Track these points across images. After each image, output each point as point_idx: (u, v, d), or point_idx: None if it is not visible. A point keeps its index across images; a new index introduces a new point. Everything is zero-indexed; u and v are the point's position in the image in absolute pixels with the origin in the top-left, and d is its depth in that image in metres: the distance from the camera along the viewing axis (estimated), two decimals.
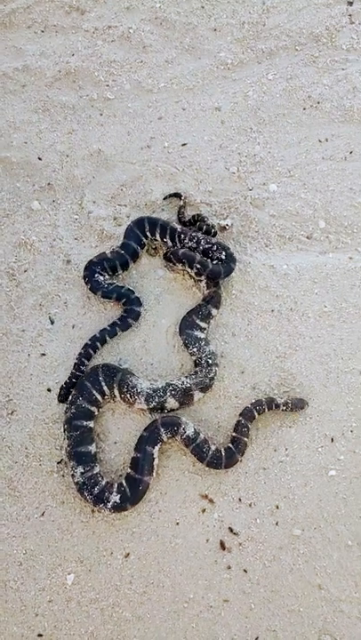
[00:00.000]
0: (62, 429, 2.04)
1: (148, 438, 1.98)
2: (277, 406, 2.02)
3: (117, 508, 1.93)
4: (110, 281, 2.22)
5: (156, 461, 1.98)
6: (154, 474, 1.97)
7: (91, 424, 2.04)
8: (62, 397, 2.09)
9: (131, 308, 2.18)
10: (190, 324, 2.16)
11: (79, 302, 2.25)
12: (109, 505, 1.93)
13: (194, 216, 2.32)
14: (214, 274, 2.17)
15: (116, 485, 1.96)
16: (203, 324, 2.17)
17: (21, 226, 2.38)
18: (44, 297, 2.27)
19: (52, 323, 2.25)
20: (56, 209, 2.41)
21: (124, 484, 1.95)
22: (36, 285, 2.29)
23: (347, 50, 2.61)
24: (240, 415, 2.03)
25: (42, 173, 2.45)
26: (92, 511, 1.99)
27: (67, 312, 2.26)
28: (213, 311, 2.19)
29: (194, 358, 2.14)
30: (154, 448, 1.97)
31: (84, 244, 2.35)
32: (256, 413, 2.02)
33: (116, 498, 1.93)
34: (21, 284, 2.29)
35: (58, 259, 2.33)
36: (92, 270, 2.21)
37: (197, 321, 2.17)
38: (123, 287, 2.21)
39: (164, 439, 1.99)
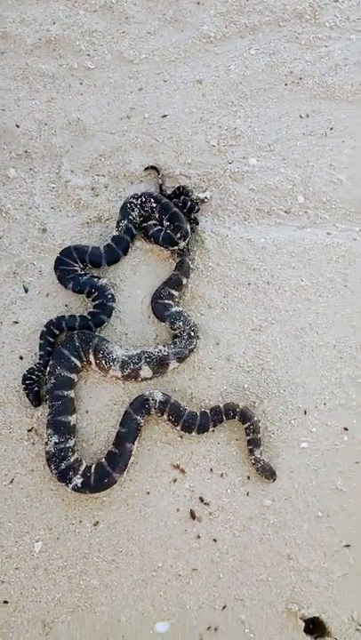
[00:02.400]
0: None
1: (128, 434, 1.95)
2: (251, 451, 1.99)
3: (77, 490, 1.91)
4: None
5: (131, 459, 1.96)
6: (125, 473, 1.95)
7: (72, 394, 2.02)
8: (37, 401, 2.03)
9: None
10: (161, 295, 2.14)
11: (54, 271, 2.22)
12: (70, 485, 1.91)
13: (178, 188, 2.29)
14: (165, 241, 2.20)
15: (83, 467, 1.93)
16: (174, 293, 2.16)
17: None
18: (18, 265, 2.24)
19: (26, 291, 2.21)
20: (33, 177, 2.37)
21: (92, 471, 1.92)
22: (10, 253, 2.25)
23: (330, 27, 2.60)
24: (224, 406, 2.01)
25: (19, 141, 2.41)
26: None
27: (41, 280, 2.23)
28: (183, 280, 2.18)
29: (170, 327, 2.12)
30: (133, 444, 1.96)
31: (60, 214, 2.32)
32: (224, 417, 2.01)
33: (78, 480, 1.91)
34: None
35: (33, 227, 2.29)
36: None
37: (170, 290, 2.15)
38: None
39: (142, 425, 1.98)
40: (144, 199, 2.24)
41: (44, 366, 2.04)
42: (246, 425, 1.97)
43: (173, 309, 2.13)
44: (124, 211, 2.23)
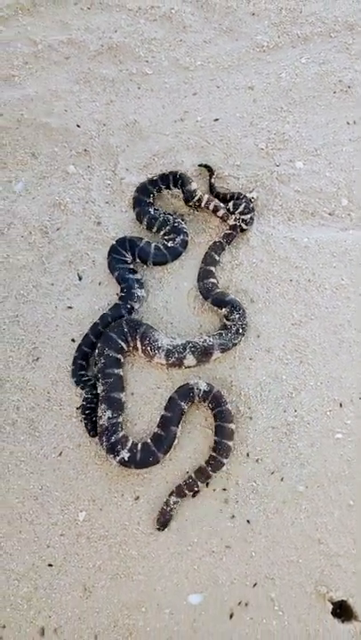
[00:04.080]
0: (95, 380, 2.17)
1: (172, 418, 2.07)
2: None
3: (123, 463, 2.03)
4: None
5: (175, 442, 2.08)
6: (168, 454, 2.06)
7: (121, 372, 2.16)
8: (94, 431, 2.12)
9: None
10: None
11: (106, 261, 2.36)
12: (118, 458, 2.03)
13: (233, 194, 2.41)
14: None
15: (130, 442, 2.06)
16: (217, 257, 2.34)
17: (57, 187, 2.50)
18: (73, 254, 2.40)
19: (80, 279, 2.36)
20: (90, 174, 2.53)
21: (138, 448, 2.05)
22: (66, 243, 2.41)
23: None
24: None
25: (79, 140, 2.58)
26: (107, 457, 2.09)
27: (94, 270, 2.37)
28: (225, 245, 2.36)
29: (225, 314, 2.24)
30: (178, 427, 2.08)
31: (114, 208, 2.47)
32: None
33: (125, 454, 2.03)
34: (53, 242, 2.42)
35: (89, 220, 2.45)
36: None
37: (215, 256, 2.35)
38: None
39: (185, 411, 2.10)
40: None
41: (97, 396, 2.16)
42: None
43: (236, 299, 2.25)
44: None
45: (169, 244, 2.34)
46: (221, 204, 2.38)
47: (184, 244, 2.35)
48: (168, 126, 2.59)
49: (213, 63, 2.70)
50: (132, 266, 2.33)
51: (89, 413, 2.13)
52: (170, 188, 2.43)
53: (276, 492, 2.06)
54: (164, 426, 2.07)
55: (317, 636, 1.90)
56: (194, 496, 2.04)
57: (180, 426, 2.08)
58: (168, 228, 2.36)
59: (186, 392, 2.09)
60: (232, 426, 2.06)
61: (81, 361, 2.20)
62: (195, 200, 2.36)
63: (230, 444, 2.04)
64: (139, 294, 2.27)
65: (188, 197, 2.37)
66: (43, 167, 2.54)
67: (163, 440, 2.04)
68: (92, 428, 2.11)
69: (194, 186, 2.39)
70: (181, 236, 2.34)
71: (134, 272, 2.31)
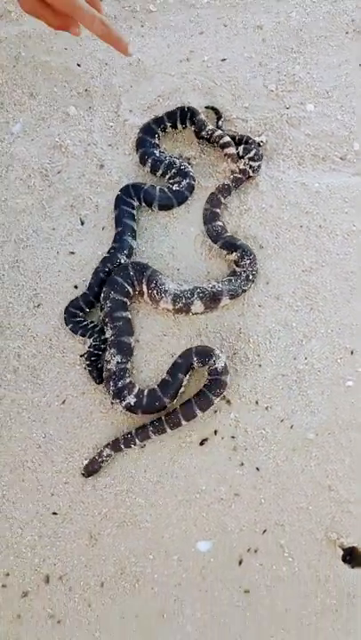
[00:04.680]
0: (101, 324, 2.08)
1: (182, 365, 1.99)
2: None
3: (130, 409, 1.97)
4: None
5: (182, 389, 2.00)
6: (175, 400, 1.99)
7: (129, 315, 2.08)
8: (100, 378, 2.04)
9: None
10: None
11: (110, 206, 2.27)
12: (124, 403, 1.96)
13: (242, 137, 2.31)
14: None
15: (137, 388, 1.99)
16: (223, 200, 2.26)
17: (57, 129, 2.39)
18: (75, 199, 2.30)
19: (82, 224, 2.27)
20: (92, 115, 2.42)
21: (145, 393, 1.98)
22: (68, 187, 2.31)
23: None
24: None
25: (80, 79, 2.46)
26: (112, 403, 2.03)
27: (97, 214, 2.28)
28: (232, 189, 2.28)
29: (235, 260, 2.16)
30: (185, 375, 2.00)
31: (117, 151, 2.37)
32: None
33: (131, 400, 1.97)
34: (54, 185, 2.31)
35: (91, 163, 2.35)
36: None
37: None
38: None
39: (195, 366, 2.01)
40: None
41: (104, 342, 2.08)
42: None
43: (246, 244, 2.17)
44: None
45: (174, 188, 2.24)
46: (232, 142, 2.27)
47: (190, 187, 2.26)
48: (173, 66, 2.47)
49: (221, 1, 2.57)
50: (134, 212, 2.23)
51: (94, 360, 2.05)
52: (176, 127, 2.33)
53: (285, 439, 2.01)
54: (173, 373, 2.00)
55: (328, 581, 1.87)
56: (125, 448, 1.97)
57: (188, 375, 2.01)
58: (174, 171, 2.26)
59: (204, 354, 1.99)
60: (214, 399, 1.97)
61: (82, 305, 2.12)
62: (207, 130, 2.26)
63: (198, 412, 1.96)
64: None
65: (201, 127, 2.26)
66: (42, 108, 2.43)
67: (170, 385, 1.97)
68: (98, 375, 2.04)
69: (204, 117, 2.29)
70: (188, 180, 2.25)
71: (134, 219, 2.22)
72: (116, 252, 2.15)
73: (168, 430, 1.96)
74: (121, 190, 2.23)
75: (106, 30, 1.75)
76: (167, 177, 2.27)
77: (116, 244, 2.17)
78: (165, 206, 2.24)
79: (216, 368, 1.97)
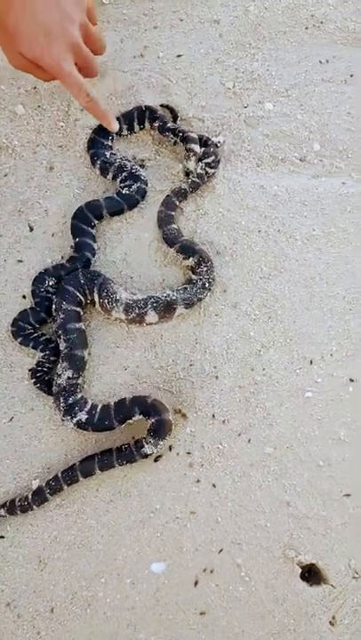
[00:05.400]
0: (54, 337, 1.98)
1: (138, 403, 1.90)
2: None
3: (80, 426, 1.87)
4: None
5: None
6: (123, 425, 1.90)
7: (82, 326, 1.98)
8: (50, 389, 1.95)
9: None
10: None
11: (60, 210, 2.17)
12: (74, 420, 1.87)
13: (200, 137, 2.21)
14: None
15: (89, 404, 1.91)
16: (177, 203, 2.17)
17: (4, 129, 2.27)
18: (23, 203, 2.18)
19: (31, 230, 2.16)
20: (41, 114, 2.29)
21: (97, 410, 1.89)
22: (15, 191, 2.20)
23: None
24: None
25: (28, 77, 2.30)
26: (62, 420, 1.94)
27: (47, 220, 2.17)
28: (188, 193, 2.19)
29: (192, 268, 2.06)
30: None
31: (68, 153, 2.25)
32: None
33: (82, 416, 1.87)
34: (0, 189, 2.19)
35: (40, 165, 2.23)
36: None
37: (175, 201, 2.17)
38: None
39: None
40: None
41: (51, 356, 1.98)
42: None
43: (204, 248, 2.08)
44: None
45: (124, 192, 2.14)
46: (198, 140, 2.17)
47: (142, 191, 2.16)
48: (127, 62, 2.36)
49: None
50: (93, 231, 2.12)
51: (40, 376, 1.96)
52: (133, 128, 2.22)
53: (243, 454, 1.95)
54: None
55: (285, 600, 1.82)
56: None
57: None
58: (125, 174, 2.16)
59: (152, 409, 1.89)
60: (115, 464, 1.87)
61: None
62: (171, 124, 2.16)
63: (95, 469, 1.86)
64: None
65: (165, 121, 2.19)
66: None
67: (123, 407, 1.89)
68: (48, 387, 1.94)
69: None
70: (138, 184, 2.15)
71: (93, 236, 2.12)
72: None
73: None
74: (75, 217, 2.11)
75: (91, 104, 1.67)
76: (118, 180, 2.16)
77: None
78: (115, 212, 2.14)
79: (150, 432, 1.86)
